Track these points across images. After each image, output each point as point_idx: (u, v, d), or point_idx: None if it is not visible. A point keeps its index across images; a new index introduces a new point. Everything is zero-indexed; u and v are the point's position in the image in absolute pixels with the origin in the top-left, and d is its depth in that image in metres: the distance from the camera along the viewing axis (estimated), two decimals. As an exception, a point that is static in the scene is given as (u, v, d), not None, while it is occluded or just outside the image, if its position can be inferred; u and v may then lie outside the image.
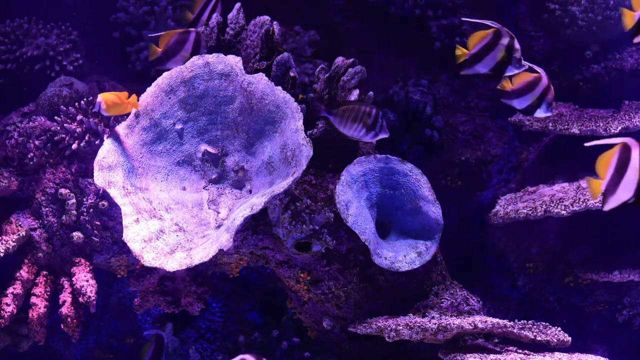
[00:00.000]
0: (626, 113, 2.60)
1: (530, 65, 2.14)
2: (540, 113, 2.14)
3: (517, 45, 2.05)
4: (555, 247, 2.67)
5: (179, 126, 2.21)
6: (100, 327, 2.78)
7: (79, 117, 2.42)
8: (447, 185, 2.92)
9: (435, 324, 2.02)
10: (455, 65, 2.08)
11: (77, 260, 2.40)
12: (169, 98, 2.20)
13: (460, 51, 2.04)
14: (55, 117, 2.47)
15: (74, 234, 2.38)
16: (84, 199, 2.39)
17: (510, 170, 2.93)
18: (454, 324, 1.99)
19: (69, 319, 2.33)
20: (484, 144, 2.95)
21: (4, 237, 2.35)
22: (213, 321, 2.78)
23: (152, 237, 2.05)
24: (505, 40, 2.02)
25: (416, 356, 2.29)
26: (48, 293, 2.41)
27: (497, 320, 2.02)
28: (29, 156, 2.43)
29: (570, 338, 2.11)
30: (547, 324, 2.16)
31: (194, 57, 2.21)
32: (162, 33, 2.30)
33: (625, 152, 1.63)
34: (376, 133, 2.16)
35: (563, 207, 2.36)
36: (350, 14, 3.03)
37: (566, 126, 2.52)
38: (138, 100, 2.20)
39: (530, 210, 2.42)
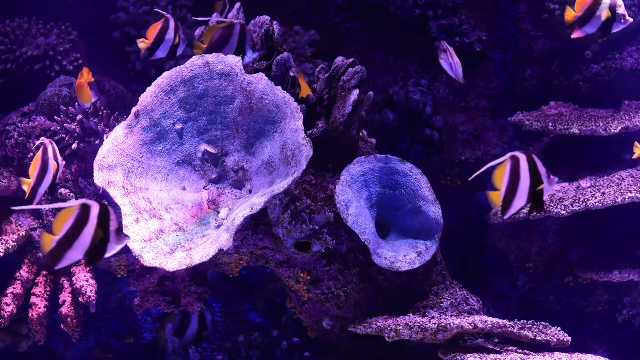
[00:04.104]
0: (626, 113, 2.59)
1: None
2: None
3: (619, 2, 2.10)
4: (555, 247, 2.67)
5: (179, 126, 2.21)
6: (100, 327, 2.77)
7: (79, 117, 2.42)
8: (447, 185, 2.92)
9: (435, 324, 2.02)
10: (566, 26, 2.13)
11: (77, 260, 2.40)
12: (169, 98, 2.20)
13: (569, 13, 2.08)
14: (55, 117, 2.47)
15: (74, 234, 2.38)
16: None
17: (511, 170, 2.93)
18: (454, 324, 1.99)
19: (69, 319, 2.33)
20: (484, 144, 2.94)
21: (4, 237, 2.35)
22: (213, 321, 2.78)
23: (152, 237, 2.05)
24: None
25: (416, 356, 2.29)
26: (48, 293, 2.41)
27: (497, 320, 2.02)
28: (29, 156, 2.43)
29: (570, 338, 2.11)
30: (547, 324, 2.16)
31: (193, 57, 2.21)
32: (203, 19, 2.27)
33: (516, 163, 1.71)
34: None
35: (563, 207, 2.36)
36: (350, 14, 3.02)
37: (566, 126, 2.52)
38: (138, 100, 2.20)
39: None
